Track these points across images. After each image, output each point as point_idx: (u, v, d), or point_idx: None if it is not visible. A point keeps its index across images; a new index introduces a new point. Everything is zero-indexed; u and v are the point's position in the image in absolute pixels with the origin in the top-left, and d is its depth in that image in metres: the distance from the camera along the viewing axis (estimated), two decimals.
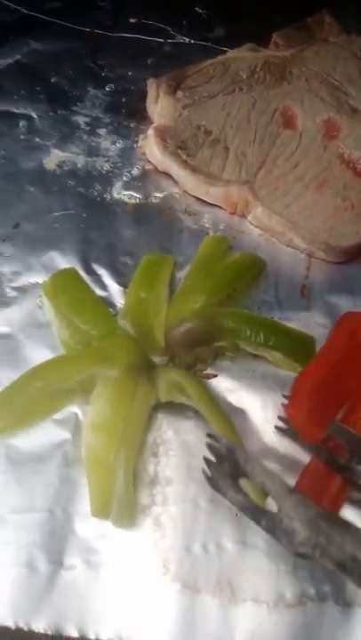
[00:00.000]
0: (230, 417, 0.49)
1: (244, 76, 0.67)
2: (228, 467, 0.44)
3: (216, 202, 0.62)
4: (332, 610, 0.43)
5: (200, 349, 0.52)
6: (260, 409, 0.51)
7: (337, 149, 0.62)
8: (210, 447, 0.45)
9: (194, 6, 0.81)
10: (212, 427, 0.46)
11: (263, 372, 0.53)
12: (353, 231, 0.58)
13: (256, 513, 0.43)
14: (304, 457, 0.48)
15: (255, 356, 0.53)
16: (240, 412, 0.51)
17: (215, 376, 0.52)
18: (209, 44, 0.77)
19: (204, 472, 0.45)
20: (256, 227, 0.61)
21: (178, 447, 0.49)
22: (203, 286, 0.54)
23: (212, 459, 0.44)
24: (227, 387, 0.52)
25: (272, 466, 0.48)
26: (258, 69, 0.68)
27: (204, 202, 0.63)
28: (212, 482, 0.45)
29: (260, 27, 0.76)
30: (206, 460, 0.45)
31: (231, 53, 0.70)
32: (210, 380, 0.52)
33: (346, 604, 0.43)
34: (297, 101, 0.65)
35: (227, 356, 0.53)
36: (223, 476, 0.44)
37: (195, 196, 0.63)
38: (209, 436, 0.45)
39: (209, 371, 0.52)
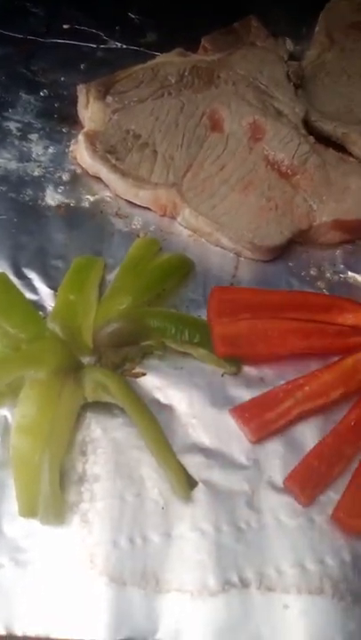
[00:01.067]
0: (157, 413, 0.51)
1: (173, 81, 0.69)
2: None
3: (146, 204, 0.63)
4: (254, 595, 0.45)
5: (128, 349, 0.53)
6: (186, 404, 0.53)
7: (262, 151, 0.64)
8: None
9: (127, 12, 0.82)
10: (136, 424, 0.48)
11: (190, 369, 0.54)
12: (277, 231, 0.60)
13: None
14: (228, 449, 0.50)
15: (183, 354, 0.55)
16: (168, 408, 0.52)
17: (144, 374, 0.54)
18: (141, 48, 0.78)
19: None
20: (185, 228, 0.63)
21: (106, 445, 0.50)
22: (130, 287, 0.55)
23: None
24: (155, 384, 0.53)
25: (198, 459, 0.50)
26: (186, 74, 0.70)
27: (135, 204, 0.65)
28: None
29: (191, 31, 0.78)
30: None
31: (160, 58, 0.71)
32: (139, 379, 0.54)
33: (268, 590, 0.45)
34: (224, 105, 0.67)
35: (155, 354, 0.55)
36: None
37: (126, 199, 0.65)
38: None
39: (137, 369, 0.54)
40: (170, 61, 0.70)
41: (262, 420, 0.51)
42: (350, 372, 0.51)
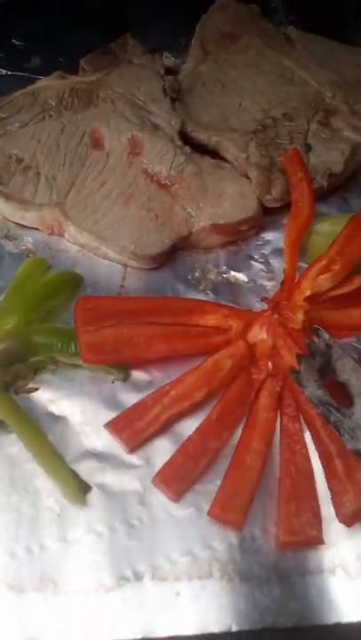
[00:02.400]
0: (52, 425, 0.53)
1: (53, 104, 0.71)
2: (320, 362, 0.51)
3: (33, 225, 0.65)
4: (147, 587, 0.46)
5: (18, 366, 0.54)
6: (79, 414, 0.54)
7: (141, 165, 0.66)
8: (310, 343, 0.52)
9: (10, 38, 0.84)
10: (21, 439, 0.49)
11: (81, 379, 0.56)
12: (158, 239, 0.62)
13: (329, 408, 0.49)
14: (119, 452, 0.52)
15: (73, 366, 0.56)
16: (61, 420, 0.54)
17: (36, 389, 0.55)
18: (26, 74, 0.80)
19: (291, 369, 0.51)
20: (73, 244, 0.65)
21: (1, 461, 0.51)
22: (17, 307, 0.57)
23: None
24: (48, 398, 0.55)
25: (92, 464, 0.52)
26: (66, 96, 0.71)
27: (24, 225, 0.66)
28: (297, 377, 0.51)
29: (74, 54, 0.80)
30: (299, 357, 0.51)
31: (40, 83, 0.73)
32: (32, 394, 0.55)
33: (160, 580, 0.47)
34: (103, 123, 0.69)
35: (47, 368, 0.56)
36: (311, 371, 0.51)
37: (13, 221, 0.66)
38: (315, 330, 0.52)
39: (30, 385, 0.55)
40: (49, 85, 0.72)
41: (133, 429, 0.52)
42: (212, 372, 0.54)
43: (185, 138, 0.70)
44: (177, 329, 0.57)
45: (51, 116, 0.69)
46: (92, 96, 0.72)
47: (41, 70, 0.80)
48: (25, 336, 0.54)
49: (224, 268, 0.65)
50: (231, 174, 0.67)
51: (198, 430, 0.52)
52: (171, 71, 0.78)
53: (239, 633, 0.45)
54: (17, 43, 0.83)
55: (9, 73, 0.80)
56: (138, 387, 0.56)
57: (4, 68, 0.80)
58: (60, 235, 0.65)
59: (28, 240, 0.65)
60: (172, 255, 0.65)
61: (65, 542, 0.48)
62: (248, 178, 0.66)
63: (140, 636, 0.45)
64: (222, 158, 0.69)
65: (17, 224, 0.66)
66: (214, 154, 0.70)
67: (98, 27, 0.84)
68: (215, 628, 0.45)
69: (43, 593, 0.46)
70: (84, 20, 0.84)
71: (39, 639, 0.44)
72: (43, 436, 0.50)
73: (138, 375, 0.57)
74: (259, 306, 0.61)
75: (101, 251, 0.63)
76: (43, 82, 0.73)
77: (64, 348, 0.54)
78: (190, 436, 0.52)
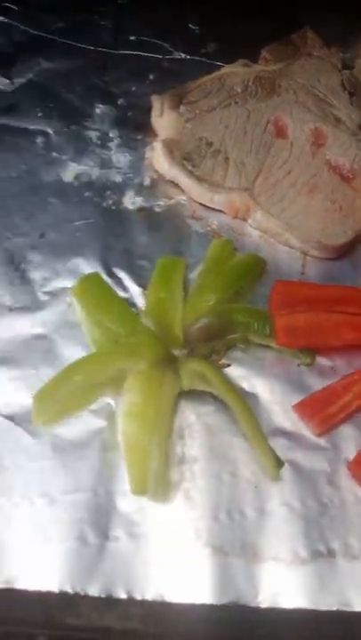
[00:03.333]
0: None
1: (239, 90, 0.66)
2: None
3: (219, 207, 0.62)
4: (340, 564, 0.45)
5: (215, 342, 0.52)
6: (268, 392, 0.52)
7: (324, 156, 0.62)
8: None
9: (187, 23, 0.79)
10: (232, 409, 0.47)
11: (270, 360, 0.53)
12: (342, 230, 0.58)
13: None
14: (307, 433, 0.50)
15: (263, 346, 0.54)
16: (252, 396, 0.52)
17: (229, 365, 0.53)
18: (203, 59, 0.75)
19: None
20: (256, 229, 0.61)
21: (201, 429, 0.50)
22: (214, 286, 0.54)
23: None
24: (239, 374, 0.53)
25: (281, 442, 0.50)
26: (250, 83, 0.67)
27: (208, 207, 0.63)
28: None
29: (248, 42, 0.74)
30: None
31: (226, 69, 0.68)
32: (225, 369, 0.53)
33: (353, 558, 0.45)
34: (286, 112, 0.64)
35: (238, 347, 0.54)
36: None
37: (199, 203, 0.63)
38: None
39: (223, 361, 0.53)
40: (234, 72, 0.67)
41: (323, 414, 0.50)
42: None
43: None
44: None
45: (237, 102, 0.65)
46: (275, 85, 0.67)
47: (217, 56, 0.75)
48: (225, 314, 0.52)
49: None
50: None
51: None
52: (346, 66, 0.72)
53: None
54: (193, 28, 0.78)
55: (187, 57, 0.75)
56: (322, 372, 0.53)
57: (182, 53, 0.76)
58: (244, 219, 0.61)
59: (213, 222, 0.62)
60: (352, 248, 0.60)
61: (262, 512, 0.46)
62: None
63: (335, 608, 0.43)
64: None
65: (203, 205, 0.63)
66: None
67: (269, 17, 0.78)
68: None
69: (243, 558, 0.44)
70: (256, 9, 0.79)
71: (239, 601, 0.43)
72: (250, 409, 0.48)
73: (321, 361, 0.53)
74: None
75: (284, 238, 0.59)
76: (228, 68, 0.68)
77: (260, 328, 0.52)
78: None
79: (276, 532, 0.45)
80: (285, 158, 0.62)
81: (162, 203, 0.63)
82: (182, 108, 0.65)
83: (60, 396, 0.49)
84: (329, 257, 0.59)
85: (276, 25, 0.77)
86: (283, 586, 0.43)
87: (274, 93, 0.66)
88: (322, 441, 0.49)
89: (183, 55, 0.75)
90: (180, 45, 0.76)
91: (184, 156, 0.62)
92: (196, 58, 0.75)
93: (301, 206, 0.59)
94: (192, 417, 0.50)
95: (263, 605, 0.42)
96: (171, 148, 0.62)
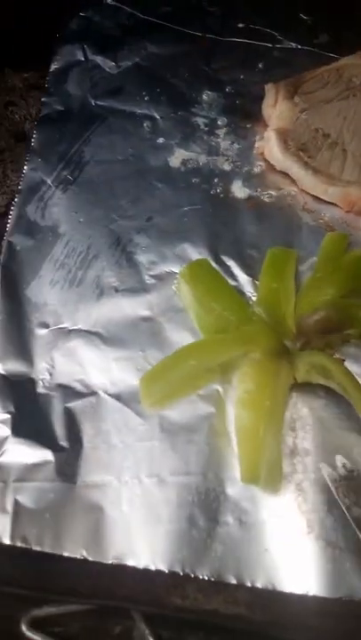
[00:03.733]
0: None
1: (358, 83, 0.70)
2: None
3: (333, 200, 0.66)
4: None
5: (331, 336, 0.56)
6: None
7: None
8: None
9: (298, 13, 0.84)
10: (354, 402, 0.51)
11: None
12: None
13: None
14: None
15: None
16: None
17: (343, 360, 0.57)
18: (315, 49, 0.79)
19: None
20: None
21: (313, 422, 0.53)
22: (331, 279, 0.58)
23: None
24: (354, 371, 0.56)
25: None
26: None
27: (320, 200, 0.67)
28: None
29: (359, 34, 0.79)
30: None
31: (344, 60, 0.73)
32: None
33: None
34: None
35: (352, 342, 0.58)
36: None
37: (311, 194, 0.67)
38: None
39: (337, 356, 0.57)
40: (354, 64, 0.71)
41: None
42: None
43: None
44: None
45: (355, 95, 0.69)
46: None
47: (329, 47, 0.79)
48: (344, 308, 0.56)
49: None
50: None
51: None
52: None
53: None
54: (305, 17, 0.83)
55: (299, 47, 0.80)
56: None
57: (293, 42, 0.80)
58: (359, 214, 0.65)
59: (325, 215, 0.66)
60: None
61: None
62: None
63: None
64: None
65: (313, 197, 0.67)
66: None
67: None
68: None
69: (358, 555, 0.48)
70: None
71: (354, 596, 0.46)
72: None
73: None
74: None
75: None
76: (346, 60, 0.72)
77: None
78: None
79: None
80: None
81: (271, 193, 0.68)
82: (297, 98, 0.70)
83: (171, 379, 0.54)
84: None
85: None
86: None
87: None
88: None
89: (294, 45, 0.80)
90: (291, 35, 0.81)
91: (299, 146, 0.66)
92: (307, 48, 0.80)
93: None
94: (304, 410, 0.54)
95: None
96: (285, 137, 0.67)
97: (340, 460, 0.51)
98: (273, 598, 0.47)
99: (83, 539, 0.49)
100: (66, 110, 0.75)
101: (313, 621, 0.47)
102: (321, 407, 0.54)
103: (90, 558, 0.48)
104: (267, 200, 0.68)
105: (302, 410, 0.54)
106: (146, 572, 0.48)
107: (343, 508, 0.49)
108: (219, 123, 0.73)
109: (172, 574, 0.48)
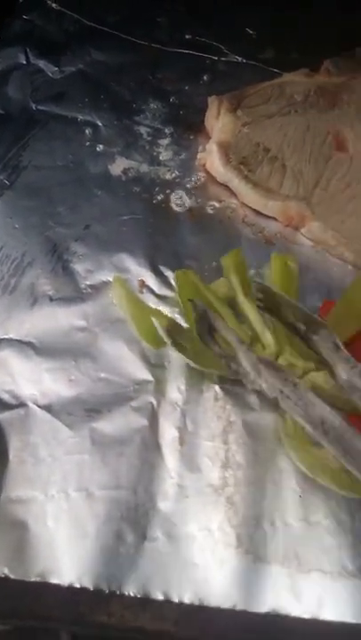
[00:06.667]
0: None
1: (299, 99, 0.74)
2: (205, 324, 0.57)
3: (272, 214, 0.68)
4: None
5: None
6: None
7: None
8: (193, 308, 0.57)
9: (244, 27, 0.87)
10: None
11: None
12: None
13: (227, 358, 0.56)
14: None
15: None
16: None
17: None
18: (259, 64, 0.84)
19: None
20: (309, 239, 0.68)
21: (246, 436, 0.55)
22: None
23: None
24: None
25: None
26: (311, 93, 0.75)
27: (260, 213, 0.70)
28: (200, 334, 0.57)
29: (306, 52, 0.84)
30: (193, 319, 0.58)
31: (287, 77, 0.77)
32: None
33: None
34: (348, 126, 0.72)
35: None
36: (205, 331, 0.57)
37: (251, 208, 0.70)
38: (190, 300, 0.58)
39: None
40: (296, 80, 0.75)
41: None
42: None
43: None
44: None
45: (296, 111, 0.73)
46: (337, 98, 0.75)
47: (273, 62, 0.84)
48: None
49: None
50: None
51: None
52: None
53: None
54: (251, 32, 0.87)
55: (244, 61, 0.84)
56: None
57: (238, 56, 0.84)
58: (296, 228, 0.68)
59: (265, 228, 0.69)
60: None
61: (307, 523, 0.51)
62: None
63: None
64: None
65: (254, 211, 0.70)
66: None
67: (329, 28, 0.87)
68: None
69: (287, 568, 0.49)
70: (319, 19, 0.88)
71: (280, 610, 0.48)
72: None
73: None
74: None
75: (339, 250, 0.66)
76: (289, 76, 0.76)
77: None
78: None
79: (321, 543, 0.50)
80: (345, 172, 0.69)
81: (212, 205, 0.70)
82: (240, 111, 0.73)
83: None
84: None
85: (336, 38, 0.86)
86: (327, 598, 0.48)
87: (335, 106, 0.74)
88: None
89: (239, 59, 0.84)
90: (237, 48, 0.85)
91: (240, 160, 0.69)
92: (252, 62, 0.84)
93: (359, 221, 0.66)
94: (238, 423, 0.56)
95: (305, 616, 0.47)
96: (227, 150, 0.70)
97: (269, 474, 0.53)
98: (200, 613, 0.48)
99: (4, 556, 0.49)
100: (5, 114, 0.77)
101: (239, 637, 0.48)
102: (254, 420, 0.56)
103: (12, 576, 0.48)
104: (207, 212, 0.70)
105: (236, 423, 0.56)
106: (70, 589, 0.48)
107: (273, 522, 0.51)
108: (161, 133, 0.76)
109: (98, 591, 0.48)
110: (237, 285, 0.61)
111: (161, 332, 0.57)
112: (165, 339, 0.57)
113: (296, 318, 0.56)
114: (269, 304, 0.57)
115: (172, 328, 0.57)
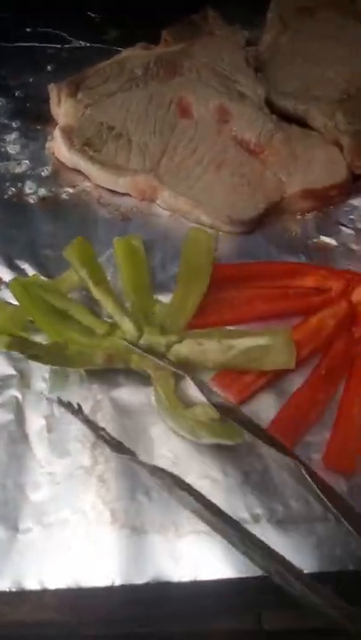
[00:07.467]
0: None
1: (139, 73, 0.75)
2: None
3: (125, 191, 0.69)
4: (267, 529, 0.49)
5: None
6: None
7: (230, 132, 0.70)
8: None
9: (86, 11, 0.88)
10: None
11: None
12: (251, 204, 0.66)
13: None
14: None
15: None
16: None
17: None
18: (105, 45, 0.84)
19: None
20: (165, 209, 0.69)
21: (113, 411, 0.55)
22: None
23: None
24: None
25: None
26: (151, 65, 0.75)
27: (115, 192, 0.70)
28: None
29: (150, 26, 0.84)
30: None
31: (125, 53, 0.77)
32: None
33: (279, 522, 0.50)
34: (190, 92, 0.73)
35: None
36: None
37: (105, 188, 0.70)
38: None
39: None
40: (135, 55, 0.76)
41: (242, 382, 0.56)
42: (316, 330, 0.58)
43: (270, 107, 0.74)
44: (277, 291, 0.61)
45: (138, 85, 0.74)
46: (177, 66, 0.76)
47: (118, 42, 0.84)
48: None
49: (314, 232, 0.68)
50: (319, 141, 0.71)
51: (307, 384, 0.56)
52: (249, 43, 0.82)
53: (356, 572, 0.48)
54: (93, 15, 0.87)
55: (88, 45, 0.84)
56: None
57: (82, 41, 0.84)
58: (152, 200, 0.69)
59: (121, 206, 0.69)
60: (263, 221, 0.68)
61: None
62: (336, 145, 0.70)
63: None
64: (307, 126, 0.73)
65: (107, 190, 0.70)
66: (299, 122, 0.74)
67: (170, 3, 0.88)
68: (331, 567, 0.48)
69: (164, 535, 0.49)
70: None
71: (161, 577, 0.48)
72: None
73: None
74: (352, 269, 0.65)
75: (194, 215, 0.66)
76: (127, 52, 0.77)
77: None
78: (300, 389, 0.55)
79: (196, 505, 0.51)
80: (191, 137, 0.69)
81: (66, 191, 0.70)
82: (80, 94, 0.73)
83: None
84: (241, 231, 0.67)
85: (178, 7, 0.87)
86: (206, 558, 0.48)
87: (176, 74, 0.75)
88: (241, 409, 0.55)
89: (83, 43, 0.84)
90: (80, 34, 0.85)
91: (84, 142, 0.69)
92: (97, 45, 0.84)
93: (209, 183, 0.67)
94: (105, 400, 0.56)
95: (185, 579, 0.47)
96: (69, 134, 0.69)
97: (141, 445, 0.53)
98: (81, 597, 0.48)
99: None
100: None
101: (124, 611, 0.48)
102: (121, 396, 0.56)
103: None
104: (62, 198, 0.70)
105: (103, 400, 0.56)
106: None
107: (147, 492, 0.51)
108: (9, 127, 0.75)
109: None
110: (86, 276, 0.60)
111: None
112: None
113: None
114: None
115: (18, 343, 0.57)
